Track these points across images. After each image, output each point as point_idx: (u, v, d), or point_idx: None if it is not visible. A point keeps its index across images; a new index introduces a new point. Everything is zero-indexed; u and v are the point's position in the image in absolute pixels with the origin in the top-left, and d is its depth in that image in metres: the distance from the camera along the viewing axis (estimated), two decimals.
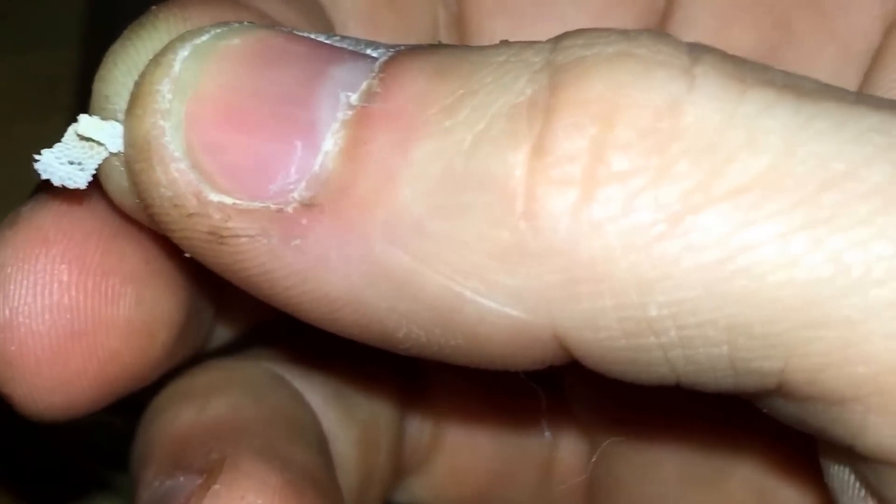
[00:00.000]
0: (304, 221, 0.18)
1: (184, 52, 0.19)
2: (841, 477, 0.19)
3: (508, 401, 0.29)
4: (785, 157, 0.16)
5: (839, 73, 0.25)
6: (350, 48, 0.19)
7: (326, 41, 0.19)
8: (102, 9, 0.45)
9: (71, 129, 0.21)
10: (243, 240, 0.19)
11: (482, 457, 0.29)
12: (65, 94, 0.45)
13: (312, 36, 0.20)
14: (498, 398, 0.29)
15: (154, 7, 0.21)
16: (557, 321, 0.17)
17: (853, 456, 0.18)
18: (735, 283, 0.16)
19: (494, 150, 0.17)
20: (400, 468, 0.29)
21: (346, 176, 0.18)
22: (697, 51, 0.17)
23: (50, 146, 0.20)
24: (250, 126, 0.18)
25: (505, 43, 0.19)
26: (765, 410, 0.19)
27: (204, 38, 0.19)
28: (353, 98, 0.18)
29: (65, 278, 0.21)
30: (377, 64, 0.19)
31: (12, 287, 0.21)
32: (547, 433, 0.28)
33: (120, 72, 0.20)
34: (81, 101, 0.24)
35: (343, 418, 0.27)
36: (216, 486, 0.22)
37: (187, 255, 0.20)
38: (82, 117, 0.20)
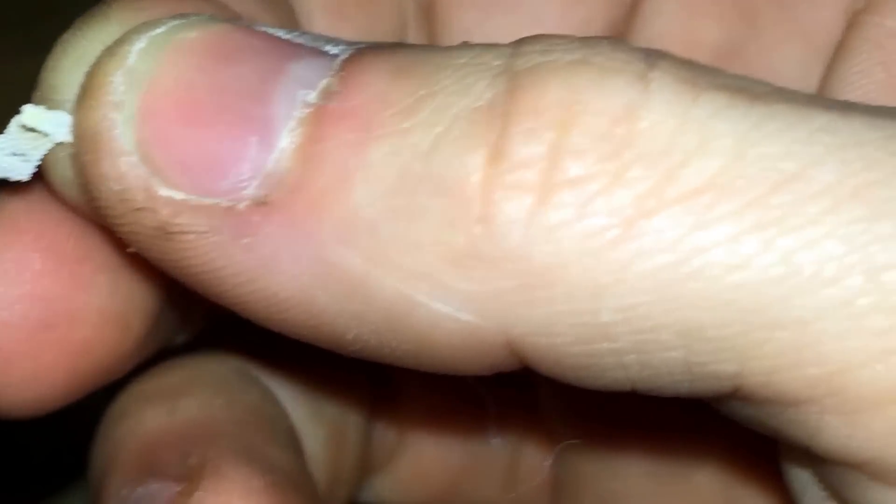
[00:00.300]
0: (255, 219, 0.18)
1: (140, 44, 0.19)
2: (802, 479, 0.20)
3: (475, 404, 0.29)
4: (736, 159, 0.17)
5: (804, 66, 0.25)
6: (310, 44, 0.19)
7: (286, 36, 0.19)
8: None
9: (15, 120, 0.20)
10: (191, 236, 0.18)
11: (448, 457, 0.29)
12: None
13: (272, 31, 0.20)
14: (464, 399, 0.29)
15: None
16: (511, 326, 0.17)
17: (811, 457, 0.18)
18: (687, 286, 0.17)
19: (452, 154, 0.17)
20: (366, 467, 0.29)
21: (300, 175, 0.18)
22: (653, 57, 0.18)
23: None
24: (204, 121, 0.18)
25: (467, 44, 0.19)
26: (724, 413, 0.19)
27: (161, 29, 0.19)
28: (311, 96, 0.18)
29: (37, 267, 0.21)
30: (337, 62, 0.19)
31: None
32: (495, 439, 0.28)
33: (69, 62, 0.20)
34: None
35: (312, 416, 0.26)
36: (199, 493, 0.21)
37: (131, 249, 0.19)
38: (27, 107, 0.20)
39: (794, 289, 0.16)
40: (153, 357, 0.25)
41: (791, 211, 0.17)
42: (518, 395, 0.28)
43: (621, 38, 0.26)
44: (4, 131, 0.20)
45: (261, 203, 0.18)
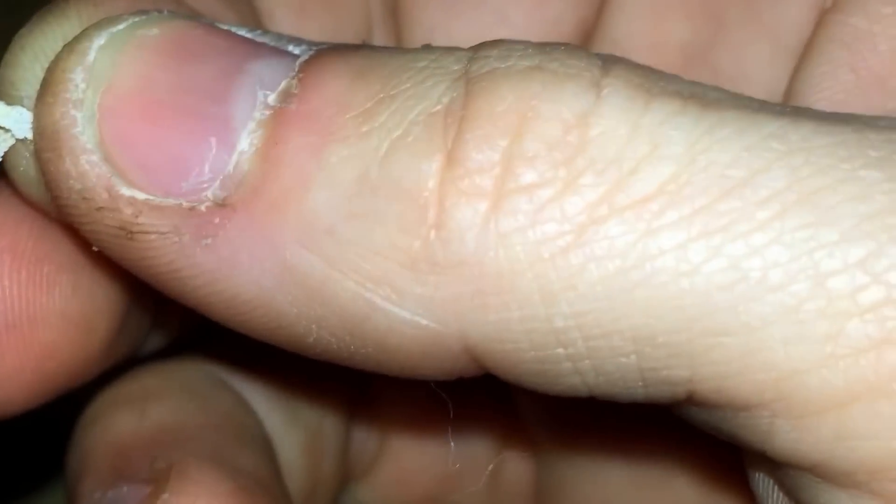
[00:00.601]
0: (216, 221, 0.18)
1: (100, 41, 0.19)
2: (763, 483, 0.20)
3: (455, 408, 0.29)
4: (686, 165, 0.17)
5: (772, 65, 0.25)
6: (272, 44, 0.19)
7: (248, 35, 0.20)
8: None
9: None
10: (153, 236, 0.19)
11: (429, 462, 0.30)
12: None
13: (234, 29, 0.20)
14: (444, 404, 0.29)
15: None
16: (467, 332, 0.18)
17: (768, 461, 0.18)
18: (637, 292, 0.17)
19: (409, 159, 0.18)
20: (346, 472, 0.29)
21: (259, 177, 0.18)
22: (609, 63, 0.18)
23: None
24: (165, 121, 0.19)
25: (428, 47, 0.19)
26: (685, 419, 0.19)
27: (121, 26, 0.19)
28: (271, 98, 0.18)
29: None
30: (297, 63, 0.19)
31: None
32: (452, 444, 0.29)
33: (27, 57, 0.20)
34: None
35: (288, 423, 0.27)
36: (165, 496, 0.22)
37: (95, 248, 0.20)
38: None
39: (742, 295, 0.17)
40: (129, 362, 0.25)
41: (739, 217, 0.17)
42: (499, 400, 0.29)
43: (589, 37, 0.26)
44: None
45: (221, 204, 0.18)
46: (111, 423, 0.24)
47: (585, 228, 0.17)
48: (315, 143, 0.18)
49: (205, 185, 0.18)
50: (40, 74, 0.20)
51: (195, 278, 0.19)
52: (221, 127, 0.18)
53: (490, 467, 0.29)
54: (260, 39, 0.20)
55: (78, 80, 0.19)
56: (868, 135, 0.17)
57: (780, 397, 0.17)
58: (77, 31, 0.20)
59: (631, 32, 0.26)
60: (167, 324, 0.25)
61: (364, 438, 0.29)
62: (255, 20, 0.25)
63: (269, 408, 0.26)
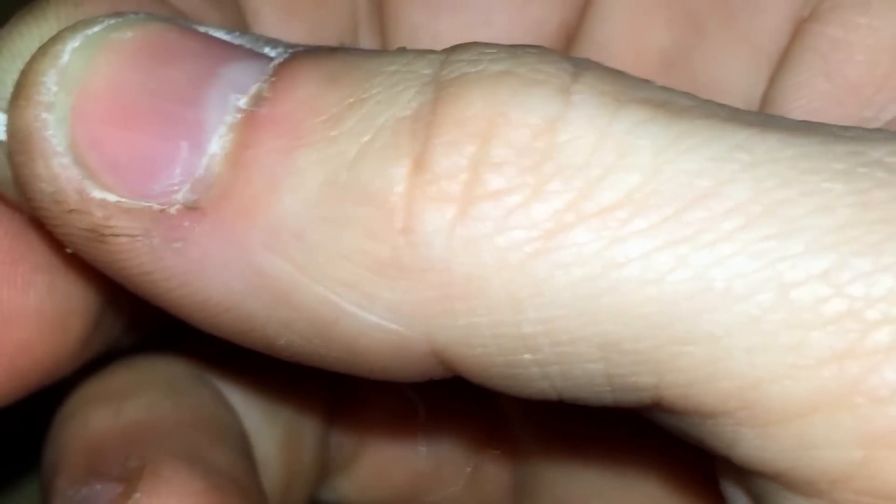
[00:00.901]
0: (186, 224, 0.19)
1: (74, 43, 0.19)
2: (733, 490, 0.20)
3: (434, 409, 0.29)
4: (653, 174, 0.17)
5: (750, 72, 0.26)
6: (248, 46, 0.20)
7: (225, 37, 0.20)
8: None
9: None
10: (124, 239, 0.19)
11: (408, 457, 0.30)
12: None
13: (211, 31, 0.20)
14: (424, 403, 0.29)
15: None
16: (435, 337, 0.18)
17: (734, 468, 0.19)
18: (604, 300, 0.17)
19: (377, 164, 0.18)
20: (325, 467, 0.29)
21: (229, 181, 0.18)
22: (579, 68, 0.18)
23: None
24: (137, 123, 0.19)
25: (401, 50, 0.19)
26: (655, 422, 0.20)
27: (96, 28, 0.19)
28: (242, 101, 0.19)
29: None
30: (271, 66, 0.19)
31: None
32: (422, 448, 0.29)
33: (4, 59, 0.20)
34: None
35: (266, 418, 0.27)
36: (137, 495, 0.22)
37: (69, 250, 0.20)
38: None
39: (706, 304, 0.17)
40: (104, 358, 0.25)
41: (704, 227, 0.17)
42: (478, 401, 0.29)
43: (572, 39, 0.26)
44: None
45: (192, 207, 0.19)
46: (86, 420, 0.24)
47: (553, 235, 0.17)
48: (284, 148, 0.18)
49: (175, 188, 0.19)
50: (17, 76, 0.20)
51: (166, 281, 0.19)
52: (193, 130, 0.19)
53: (468, 469, 0.29)
54: (237, 42, 0.20)
55: (50, 83, 0.19)
56: (833, 147, 0.18)
57: (745, 406, 0.17)
58: (55, 32, 0.20)
59: (613, 35, 0.26)
60: (145, 320, 0.26)
61: (343, 434, 0.29)
62: (240, 19, 0.25)
63: (247, 404, 0.26)
